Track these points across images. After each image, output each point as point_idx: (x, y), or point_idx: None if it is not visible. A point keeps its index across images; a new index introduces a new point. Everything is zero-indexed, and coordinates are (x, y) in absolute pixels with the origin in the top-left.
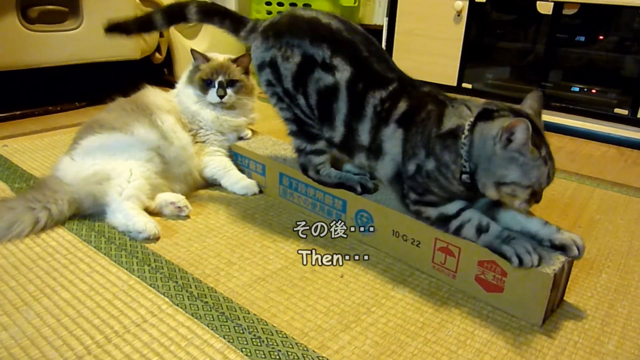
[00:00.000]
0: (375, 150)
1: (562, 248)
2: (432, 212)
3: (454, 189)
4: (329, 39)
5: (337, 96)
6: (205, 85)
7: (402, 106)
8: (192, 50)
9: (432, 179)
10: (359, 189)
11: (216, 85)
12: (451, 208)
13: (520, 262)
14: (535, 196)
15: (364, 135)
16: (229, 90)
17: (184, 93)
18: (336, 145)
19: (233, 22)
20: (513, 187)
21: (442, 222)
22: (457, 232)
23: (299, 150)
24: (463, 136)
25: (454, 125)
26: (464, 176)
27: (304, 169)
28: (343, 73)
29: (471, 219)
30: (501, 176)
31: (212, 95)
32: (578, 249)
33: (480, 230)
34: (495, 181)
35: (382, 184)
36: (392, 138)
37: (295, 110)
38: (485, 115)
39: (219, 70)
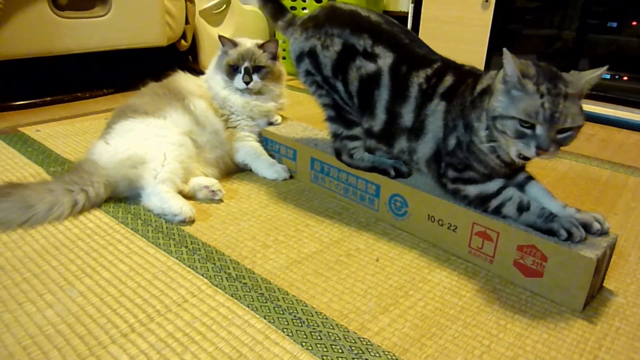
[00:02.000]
0: (416, 130)
1: (584, 227)
2: (471, 190)
3: (491, 162)
4: (369, 29)
5: (379, 83)
6: (232, 71)
7: (448, 80)
8: (220, 36)
9: (471, 152)
10: (392, 172)
11: (242, 71)
12: (492, 186)
13: (570, 235)
14: (536, 139)
15: (407, 116)
16: (255, 76)
17: (213, 79)
18: (375, 134)
19: (274, 8)
20: (502, 122)
21: (482, 200)
22: (497, 210)
23: (335, 135)
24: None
25: (484, 86)
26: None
27: (338, 154)
28: (385, 59)
29: (512, 197)
30: (493, 109)
31: (238, 81)
32: (600, 223)
33: (522, 208)
34: (490, 116)
35: (419, 168)
36: (435, 112)
37: (334, 96)
38: None
39: (245, 56)
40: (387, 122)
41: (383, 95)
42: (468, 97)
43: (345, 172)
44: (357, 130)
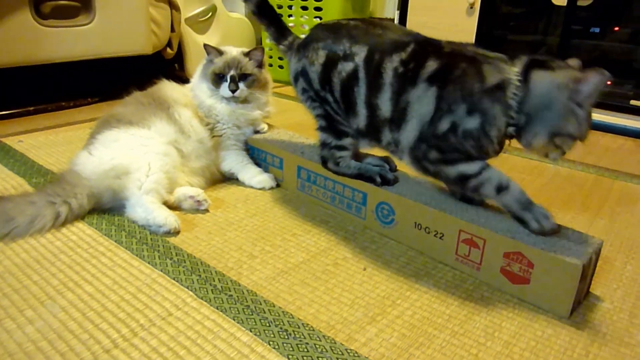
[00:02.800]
0: (397, 119)
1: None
2: (452, 170)
3: (489, 147)
4: (348, 34)
5: (357, 78)
6: (217, 79)
7: (432, 65)
8: (206, 45)
9: (470, 137)
10: (378, 179)
11: (228, 80)
12: (473, 167)
13: (542, 228)
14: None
15: (384, 107)
16: (241, 85)
17: (199, 87)
18: (362, 132)
19: (277, 31)
20: (565, 139)
21: (461, 180)
22: (476, 190)
23: (324, 144)
24: (513, 87)
25: (500, 79)
26: (511, 129)
27: (324, 161)
28: (360, 55)
29: (491, 177)
30: (559, 127)
31: (224, 89)
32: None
33: (500, 188)
34: (551, 131)
35: (401, 157)
36: (423, 97)
37: (325, 107)
38: (538, 65)
39: (230, 64)
40: (369, 116)
41: (362, 90)
42: (475, 84)
43: (332, 181)
44: (346, 141)
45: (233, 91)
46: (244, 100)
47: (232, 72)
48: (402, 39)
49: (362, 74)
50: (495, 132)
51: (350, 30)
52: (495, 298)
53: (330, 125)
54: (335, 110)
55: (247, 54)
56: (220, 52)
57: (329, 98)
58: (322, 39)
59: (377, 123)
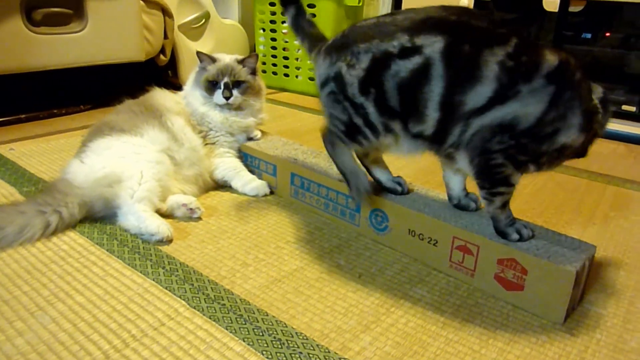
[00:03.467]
0: (490, 103)
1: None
2: (511, 173)
3: (553, 165)
4: (401, 27)
5: (429, 76)
6: (211, 86)
7: (551, 60)
8: (198, 52)
9: (562, 150)
10: (355, 191)
11: (222, 87)
12: (518, 178)
13: (520, 237)
14: None
15: (474, 101)
16: (235, 92)
17: (192, 95)
18: (427, 137)
19: (310, 43)
20: None
21: (507, 185)
22: (503, 200)
23: (329, 132)
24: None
25: (596, 103)
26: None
27: (325, 136)
28: (434, 46)
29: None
30: None
31: (218, 96)
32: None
33: (505, 205)
34: None
35: (459, 143)
36: (537, 92)
37: (353, 115)
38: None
39: (224, 71)
40: (442, 118)
41: (436, 89)
42: (587, 97)
43: (326, 188)
44: (353, 147)
45: (227, 98)
46: (238, 107)
47: (225, 80)
48: (499, 31)
49: (438, 70)
50: (573, 154)
51: (402, 22)
52: (490, 305)
53: (348, 133)
54: (369, 122)
55: (240, 62)
56: (213, 60)
57: (368, 107)
58: (363, 40)
59: (450, 123)
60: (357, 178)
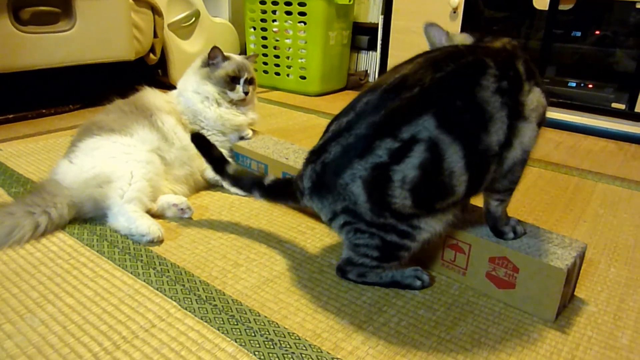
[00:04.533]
0: (505, 145)
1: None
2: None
3: None
4: (372, 128)
5: (440, 152)
6: (230, 81)
7: (521, 57)
8: (215, 48)
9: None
10: (417, 283)
11: (241, 83)
12: None
13: (515, 234)
14: None
15: (495, 139)
16: (250, 87)
17: (191, 91)
18: (458, 200)
19: (293, 197)
20: None
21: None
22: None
23: (354, 263)
24: None
25: None
26: None
27: (343, 273)
28: (426, 125)
29: None
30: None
31: (239, 91)
32: None
33: None
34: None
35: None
36: (531, 91)
37: (384, 234)
38: None
39: (242, 67)
40: (473, 176)
41: (455, 159)
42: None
43: None
44: (393, 264)
45: (246, 93)
46: (245, 103)
47: (245, 75)
48: (465, 65)
49: (446, 141)
50: None
51: (370, 116)
52: (482, 303)
53: (384, 255)
54: (401, 230)
55: (247, 59)
56: (225, 57)
57: (392, 221)
58: (342, 169)
59: (483, 172)
60: (407, 274)
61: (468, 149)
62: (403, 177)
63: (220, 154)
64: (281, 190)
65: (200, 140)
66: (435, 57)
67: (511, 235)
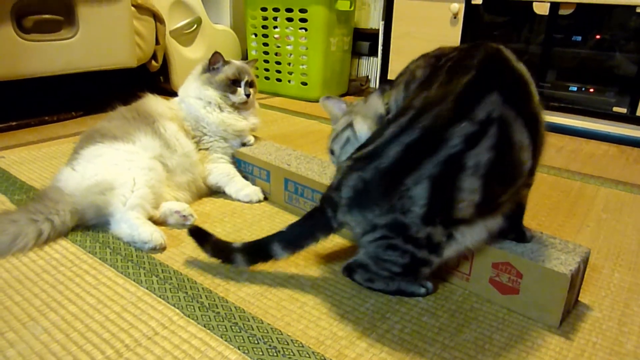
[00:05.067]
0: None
1: None
2: None
3: None
4: (452, 117)
5: (510, 132)
6: (231, 84)
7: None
8: (216, 53)
9: None
10: (422, 290)
11: (242, 85)
12: None
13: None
14: None
15: (537, 99)
16: (251, 90)
17: (190, 97)
18: (525, 180)
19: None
20: None
21: None
22: None
23: (369, 271)
24: None
25: None
26: None
27: (350, 272)
28: (496, 104)
29: None
30: None
31: (240, 93)
32: None
33: None
34: None
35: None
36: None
37: (413, 252)
38: None
39: (243, 71)
40: (535, 148)
41: (521, 134)
42: None
43: (320, 193)
44: (409, 278)
45: (247, 95)
46: (246, 107)
47: (246, 78)
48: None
49: (512, 117)
50: None
51: (443, 99)
52: (485, 309)
53: (407, 271)
54: (436, 243)
55: (247, 64)
56: (226, 62)
57: (436, 230)
58: (412, 169)
59: (540, 139)
60: (410, 287)
61: (526, 118)
62: (477, 163)
63: (222, 242)
64: (305, 229)
65: (198, 233)
66: (459, 53)
67: (529, 234)
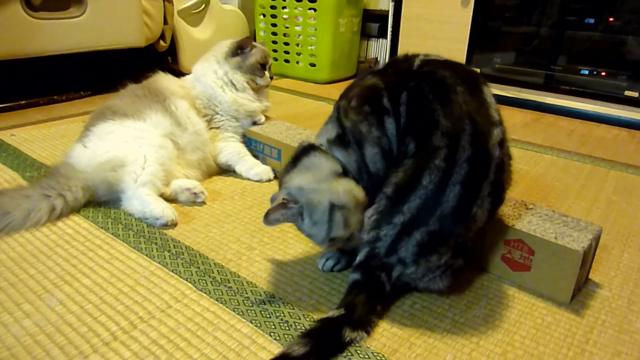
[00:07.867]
0: None
1: None
2: None
3: None
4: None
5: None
6: (261, 68)
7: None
8: (247, 38)
9: None
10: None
11: (268, 68)
12: None
13: None
14: None
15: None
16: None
17: (230, 77)
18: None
19: None
20: None
21: None
22: None
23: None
24: None
25: None
26: None
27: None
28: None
29: None
30: None
31: (267, 77)
32: None
33: None
34: None
35: None
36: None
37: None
38: None
39: (266, 54)
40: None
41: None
42: None
43: None
44: None
45: (271, 78)
46: (263, 90)
47: (270, 61)
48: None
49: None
50: None
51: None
52: (496, 286)
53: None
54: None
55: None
56: (253, 45)
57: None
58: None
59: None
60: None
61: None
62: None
63: None
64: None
65: None
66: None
67: None
